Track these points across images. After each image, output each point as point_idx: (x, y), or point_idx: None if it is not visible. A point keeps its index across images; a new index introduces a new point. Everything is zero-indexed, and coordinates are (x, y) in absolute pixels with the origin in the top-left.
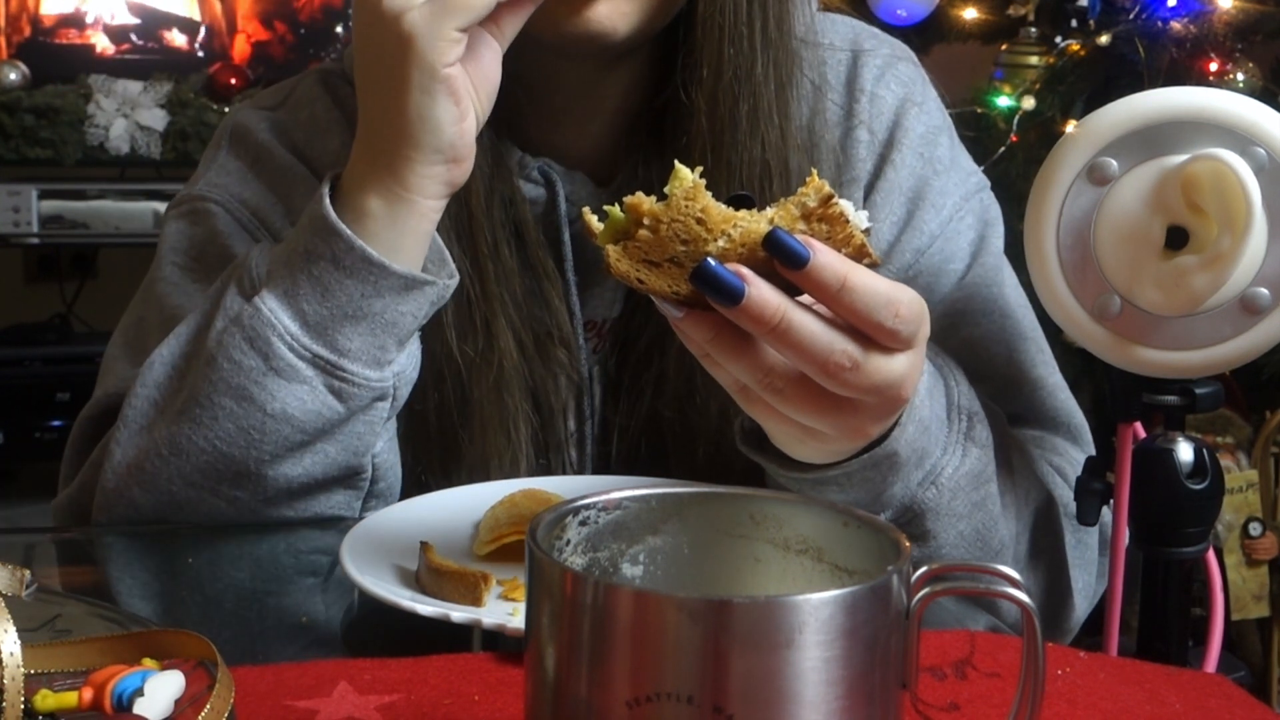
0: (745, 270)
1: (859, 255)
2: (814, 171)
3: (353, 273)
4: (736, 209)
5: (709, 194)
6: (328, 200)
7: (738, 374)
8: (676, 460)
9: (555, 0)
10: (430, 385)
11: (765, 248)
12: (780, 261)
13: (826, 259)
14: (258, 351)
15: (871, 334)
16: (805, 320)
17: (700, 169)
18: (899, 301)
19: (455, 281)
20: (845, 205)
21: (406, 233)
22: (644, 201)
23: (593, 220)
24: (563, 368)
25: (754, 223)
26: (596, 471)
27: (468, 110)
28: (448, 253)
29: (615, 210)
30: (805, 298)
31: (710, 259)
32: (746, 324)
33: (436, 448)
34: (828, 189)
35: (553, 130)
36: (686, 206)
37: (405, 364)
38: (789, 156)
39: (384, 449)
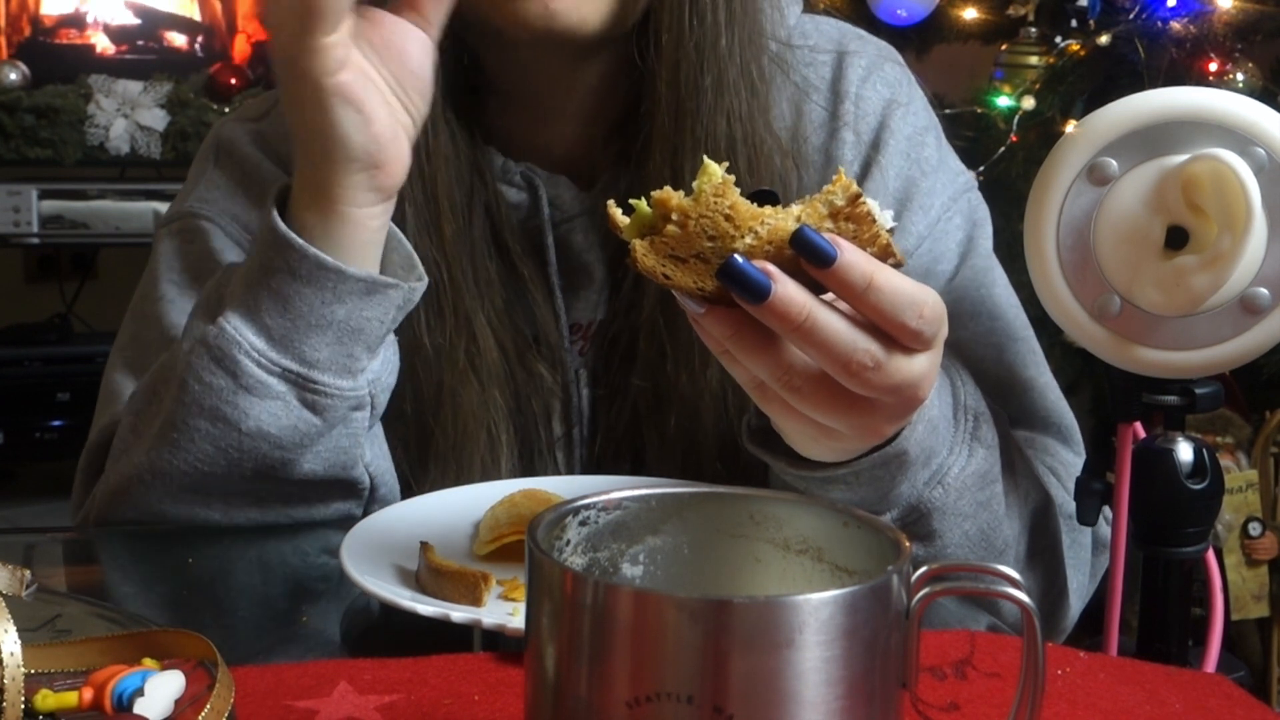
0: (772, 268)
1: (884, 255)
2: (841, 170)
3: (310, 281)
4: (761, 205)
5: (737, 190)
6: (275, 213)
7: (757, 371)
8: (651, 437)
9: None
10: (403, 375)
11: (793, 245)
12: (807, 260)
13: (853, 258)
14: (225, 371)
15: (895, 334)
16: (830, 319)
17: (727, 164)
18: (923, 303)
19: (424, 285)
20: (872, 204)
21: (346, 244)
22: (672, 196)
23: (618, 214)
24: (548, 372)
25: (782, 220)
26: (585, 471)
27: (375, 113)
28: (416, 257)
29: (642, 205)
30: (828, 295)
31: (737, 255)
32: (771, 321)
33: (413, 438)
34: (855, 188)
35: (533, 134)
36: (715, 203)
37: (380, 371)
38: (756, 133)
39: (376, 457)
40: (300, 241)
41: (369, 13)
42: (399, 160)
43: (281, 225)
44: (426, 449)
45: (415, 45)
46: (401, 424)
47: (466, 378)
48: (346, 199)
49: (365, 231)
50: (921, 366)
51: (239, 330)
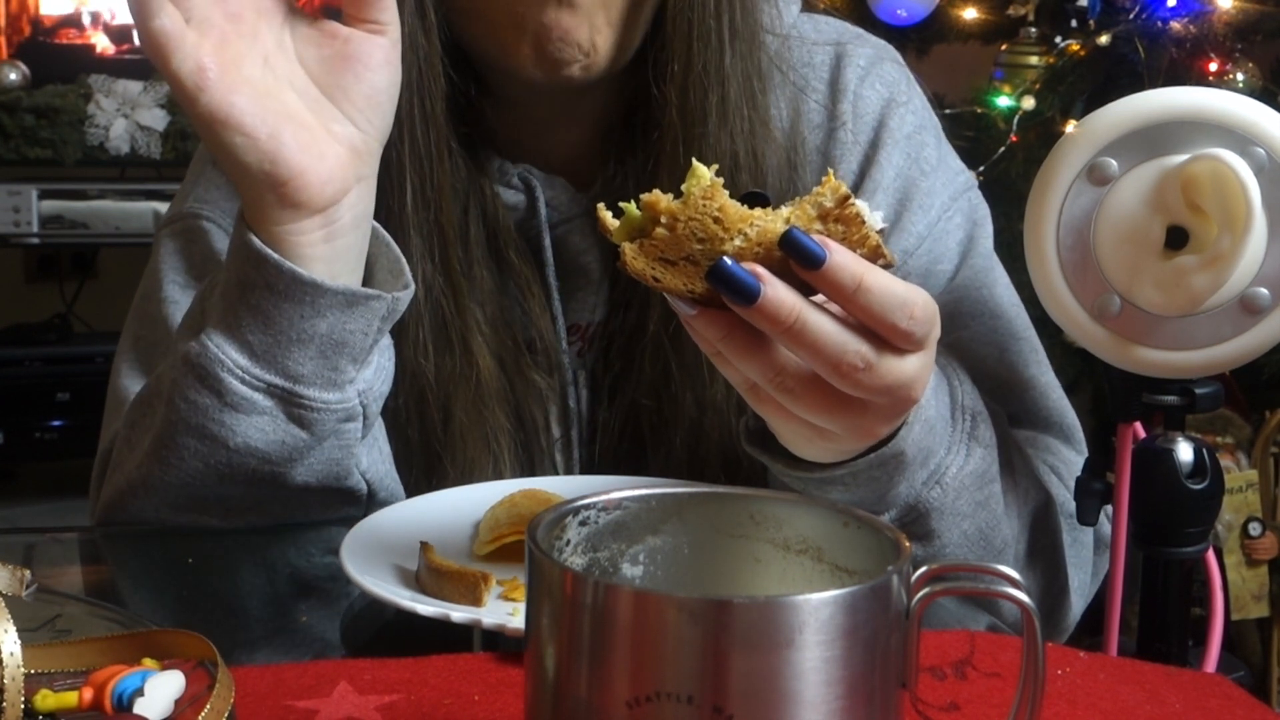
0: (761, 270)
1: (874, 256)
2: (830, 172)
3: (288, 296)
4: (751, 207)
5: (726, 192)
6: (248, 228)
7: (749, 373)
8: (656, 454)
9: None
10: (410, 402)
11: (782, 247)
12: (797, 261)
13: (843, 259)
14: (209, 389)
15: (885, 335)
16: (820, 320)
17: (716, 166)
18: (913, 303)
19: (409, 293)
20: (861, 206)
21: (304, 260)
22: (661, 199)
23: (608, 217)
24: (543, 378)
25: (771, 222)
26: (584, 474)
27: (257, 131)
28: (405, 263)
29: (631, 208)
30: (818, 297)
31: (726, 258)
32: (761, 323)
33: (419, 464)
34: (844, 189)
35: (533, 138)
36: (704, 205)
37: (372, 380)
38: (757, 146)
39: (373, 463)
40: (275, 256)
41: (324, 26)
42: (310, 176)
43: (256, 241)
44: (433, 475)
45: (375, 55)
46: (407, 449)
47: (473, 404)
48: (265, 217)
49: (300, 247)
50: (913, 367)
51: (221, 347)
